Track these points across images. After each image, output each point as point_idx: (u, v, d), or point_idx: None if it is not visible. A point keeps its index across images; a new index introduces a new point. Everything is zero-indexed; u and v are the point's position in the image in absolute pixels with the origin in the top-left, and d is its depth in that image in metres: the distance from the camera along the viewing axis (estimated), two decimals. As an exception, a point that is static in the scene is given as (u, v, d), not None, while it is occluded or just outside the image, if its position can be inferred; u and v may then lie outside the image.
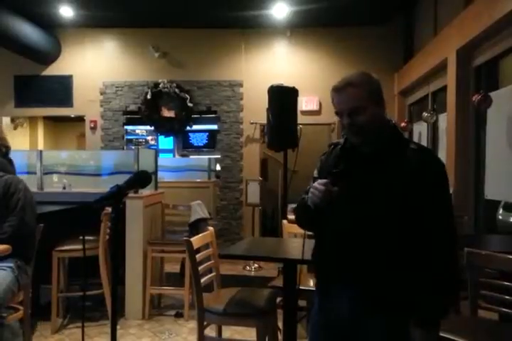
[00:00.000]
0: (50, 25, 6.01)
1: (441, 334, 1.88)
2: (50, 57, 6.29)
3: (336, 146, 1.56)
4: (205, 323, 2.41)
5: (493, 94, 3.37)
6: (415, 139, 5.67)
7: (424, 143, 5.26)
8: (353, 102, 1.41)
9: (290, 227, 3.15)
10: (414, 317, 1.39)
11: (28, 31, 5.51)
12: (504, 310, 2.10)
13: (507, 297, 2.07)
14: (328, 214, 1.48)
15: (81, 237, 3.51)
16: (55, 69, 6.36)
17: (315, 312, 1.59)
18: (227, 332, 3.19)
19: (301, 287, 2.42)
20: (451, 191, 4.03)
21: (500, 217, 4.27)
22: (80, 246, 3.47)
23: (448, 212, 1.42)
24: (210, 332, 2.58)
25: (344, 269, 1.45)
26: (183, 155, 8.34)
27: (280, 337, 2.57)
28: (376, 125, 1.44)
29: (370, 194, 1.42)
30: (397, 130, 1.50)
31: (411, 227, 1.38)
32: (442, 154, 4.58)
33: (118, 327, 3.25)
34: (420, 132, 5.41)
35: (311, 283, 2.57)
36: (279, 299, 2.58)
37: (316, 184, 1.43)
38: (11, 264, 2.53)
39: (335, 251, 1.48)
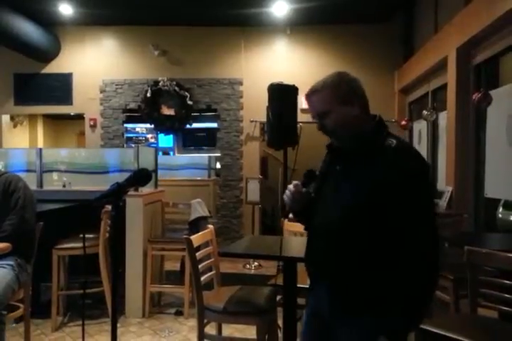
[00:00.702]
0: (49, 23, 6.00)
1: (441, 332, 1.90)
2: (50, 55, 6.28)
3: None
4: (205, 321, 2.42)
5: (493, 93, 3.37)
6: (415, 137, 5.68)
7: (424, 141, 5.26)
8: (319, 107, 1.47)
9: (290, 225, 3.16)
10: (383, 325, 1.34)
11: (27, 29, 5.50)
12: (504, 308, 2.11)
13: (507, 295, 2.07)
14: (313, 214, 1.55)
15: (81, 235, 3.52)
16: (54, 67, 6.35)
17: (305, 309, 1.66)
18: (228, 330, 3.20)
19: (301, 285, 2.42)
20: (450, 189, 4.04)
21: (500, 216, 4.27)
22: (79, 244, 3.47)
23: (423, 213, 1.37)
24: (210, 330, 2.58)
25: (321, 268, 1.50)
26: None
27: (280, 335, 2.58)
28: (348, 127, 1.45)
29: (343, 193, 1.45)
30: (379, 127, 1.48)
31: (383, 228, 1.36)
32: (442, 152, 4.58)
33: (118, 325, 3.25)
34: (420, 130, 5.41)
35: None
36: (279, 297, 2.58)
37: (288, 186, 1.53)
38: (11, 262, 2.53)
39: (314, 250, 1.54)
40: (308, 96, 1.50)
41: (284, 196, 1.55)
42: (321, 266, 1.50)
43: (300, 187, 1.52)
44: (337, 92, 1.44)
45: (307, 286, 1.68)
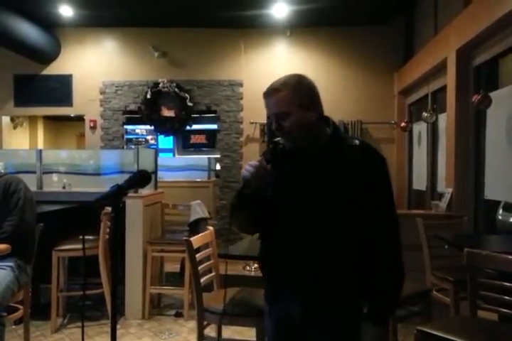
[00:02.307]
0: (49, 25, 6.00)
1: (441, 335, 1.89)
2: (50, 56, 6.28)
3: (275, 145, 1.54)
4: (204, 323, 2.41)
5: (492, 94, 3.37)
6: (415, 139, 5.68)
7: (424, 143, 5.27)
8: (278, 108, 1.43)
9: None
10: (366, 312, 1.40)
11: (28, 31, 5.51)
12: (503, 310, 2.10)
13: (507, 297, 2.07)
14: (271, 214, 1.49)
15: (81, 237, 3.52)
16: (54, 69, 6.35)
17: (266, 319, 1.59)
18: (227, 332, 3.19)
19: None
20: (450, 191, 4.04)
21: (500, 218, 4.27)
22: (79, 246, 3.46)
23: (391, 206, 1.45)
24: (210, 331, 2.58)
25: (294, 270, 1.44)
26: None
27: (280, 336, 2.57)
28: (304, 130, 1.44)
29: (313, 194, 1.43)
30: (335, 130, 1.50)
31: (356, 224, 1.40)
32: (442, 154, 4.58)
33: (118, 326, 3.25)
34: (420, 132, 5.42)
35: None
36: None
37: (250, 162, 1.45)
38: (11, 263, 2.53)
39: (282, 256, 1.47)
40: (268, 95, 1.45)
41: (244, 171, 1.43)
42: (293, 270, 1.44)
43: (265, 164, 1.43)
44: (297, 94, 1.43)
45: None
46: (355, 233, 1.40)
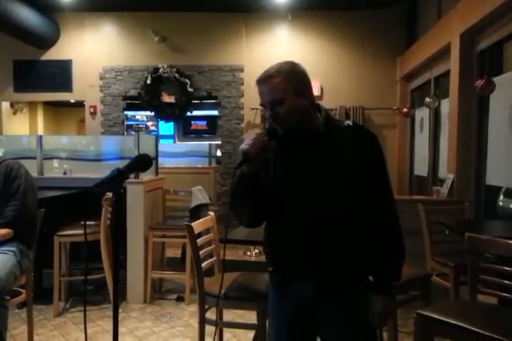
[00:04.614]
0: (48, 9, 5.92)
1: (441, 318, 1.91)
2: (49, 41, 6.22)
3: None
4: (206, 307, 2.43)
5: (496, 79, 3.33)
6: (417, 125, 5.65)
7: (426, 128, 5.24)
8: (273, 94, 1.43)
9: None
10: (375, 284, 1.48)
11: (26, 15, 5.43)
12: (503, 294, 2.11)
13: (506, 282, 2.08)
14: (273, 201, 1.49)
15: (82, 222, 3.54)
16: (54, 54, 6.29)
17: (277, 304, 1.58)
18: (229, 315, 3.23)
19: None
20: (451, 177, 4.04)
21: (500, 204, 4.27)
22: (81, 231, 3.49)
23: (388, 179, 1.52)
24: (211, 315, 2.60)
25: (307, 253, 1.46)
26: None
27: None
28: (298, 116, 1.45)
29: (314, 177, 1.45)
30: (327, 114, 1.53)
31: (359, 199, 1.45)
32: (444, 139, 4.56)
33: (120, 310, 3.28)
34: (422, 117, 5.38)
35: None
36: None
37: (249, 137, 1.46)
38: (13, 248, 2.54)
39: (293, 237, 1.47)
40: (261, 82, 1.45)
41: (241, 146, 1.43)
42: (306, 253, 1.46)
43: (263, 137, 1.44)
44: (291, 81, 1.43)
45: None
46: (359, 208, 1.45)
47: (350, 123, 1.52)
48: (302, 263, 1.48)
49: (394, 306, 1.54)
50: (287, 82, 1.42)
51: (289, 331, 1.56)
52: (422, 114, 5.36)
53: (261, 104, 1.49)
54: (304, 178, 1.47)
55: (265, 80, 1.44)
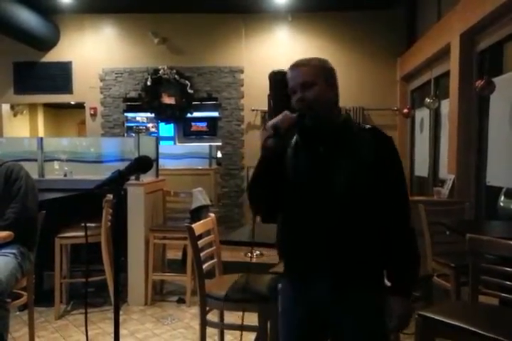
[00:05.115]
0: (48, 11, 5.93)
1: (442, 319, 1.90)
2: (49, 43, 6.23)
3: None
4: (207, 309, 2.43)
5: (496, 80, 3.33)
6: (417, 125, 5.65)
7: (426, 129, 5.24)
8: (306, 77, 1.47)
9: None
10: (393, 286, 1.48)
11: (26, 17, 5.44)
12: (504, 295, 2.11)
13: (508, 282, 2.07)
14: (290, 198, 1.48)
15: (83, 224, 3.54)
16: (54, 56, 6.30)
17: (290, 304, 1.56)
18: (230, 317, 3.22)
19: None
20: (452, 178, 4.04)
21: (501, 204, 4.26)
22: (82, 233, 3.49)
23: (405, 182, 1.57)
24: (212, 317, 2.60)
25: (324, 250, 1.45)
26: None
27: (282, 322, 2.60)
28: (325, 105, 1.48)
29: (334, 174, 1.46)
30: (348, 115, 1.59)
31: (379, 201, 1.46)
32: (444, 140, 4.56)
33: (121, 312, 3.27)
34: (422, 118, 5.38)
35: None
36: (280, 285, 2.59)
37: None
38: (14, 250, 2.54)
39: (309, 236, 1.47)
40: (295, 67, 1.49)
41: (271, 121, 1.43)
42: (324, 251, 1.45)
43: (293, 115, 1.44)
44: (323, 71, 1.50)
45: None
46: (376, 208, 1.46)
47: (369, 126, 1.57)
48: (318, 262, 1.47)
49: (412, 309, 1.53)
50: (320, 70, 1.49)
51: (300, 332, 1.54)
52: (422, 115, 5.36)
53: (292, 89, 1.48)
54: (325, 175, 1.47)
55: (299, 65, 1.50)
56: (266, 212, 1.60)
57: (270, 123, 1.43)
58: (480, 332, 1.79)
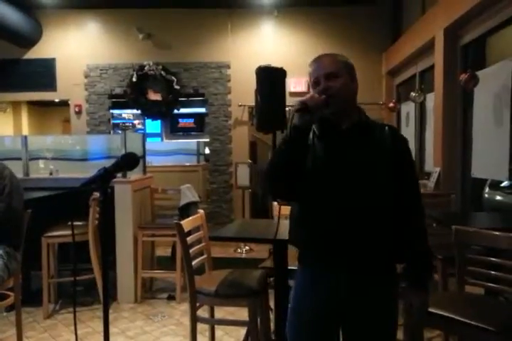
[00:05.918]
0: (30, 7, 5.83)
1: (430, 310, 1.93)
2: (32, 39, 6.13)
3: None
4: (197, 305, 2.43)
5: (480, 73, 3.37)
6: (403, 119, 5.69)
7: (412, 123, 5.29)
8: (331, 67, 1.50)
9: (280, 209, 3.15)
10: (410, 278, 1.54)
11: (7, 13, 5.34)
12: (490, 284, 2.15)
13: (493, 272, 2.11)
14: (312, 186, 1.48)
15: (70, 223, 3.51)
16: (36, 53, 6.20)
17: (304, 294, 1.55)
18: (220, 312, 3.23)
19: (291, 267, 2.44)
20: (438, 170, 4.08)
21: (486, 195, 4.34)
22: (69, 232, 3.46)
23: (417, 176, 1.63)
24: (202, 313, 2.60)
25: (344, 245, 1.46)
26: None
27: (272, 316, 2.61)
28: (347, 99, 1.51)
29: (353, 169, 1.48)
30: (365, 114, 1.61)
31: (393, 193, 1.50)
32: (430, 133, 4.61)
33: (111, 311, 3.27)
34: (408, 112, 5.43)
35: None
36: (270, 279, 2.60)
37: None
38: (0, 251, 2.51)
39: (326, 225, 1.47)
40: (319, 59, 1.53)
41: (299, 99, 1.45)
42: (341, 240, 1.46)
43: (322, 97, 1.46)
44: (346, 65, 1.54)
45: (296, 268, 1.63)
46: (391, 200, 1.49)
47: (388, 124, 1.64)
48: (335, 252, 1.47)
49: (429, 300, 1.58)
50: (344, 63, 1.53)
51: (314, 323, 1.53)
52: (408, 109, 5.41)
53: (313, 83, 1.50)
54: (343, 166, 1.48)
55: (323, 57, 1.53)
56: (288, 190, 1.53)
57: (300, 100, 1.45)
58: (467, 321, 1.82)
